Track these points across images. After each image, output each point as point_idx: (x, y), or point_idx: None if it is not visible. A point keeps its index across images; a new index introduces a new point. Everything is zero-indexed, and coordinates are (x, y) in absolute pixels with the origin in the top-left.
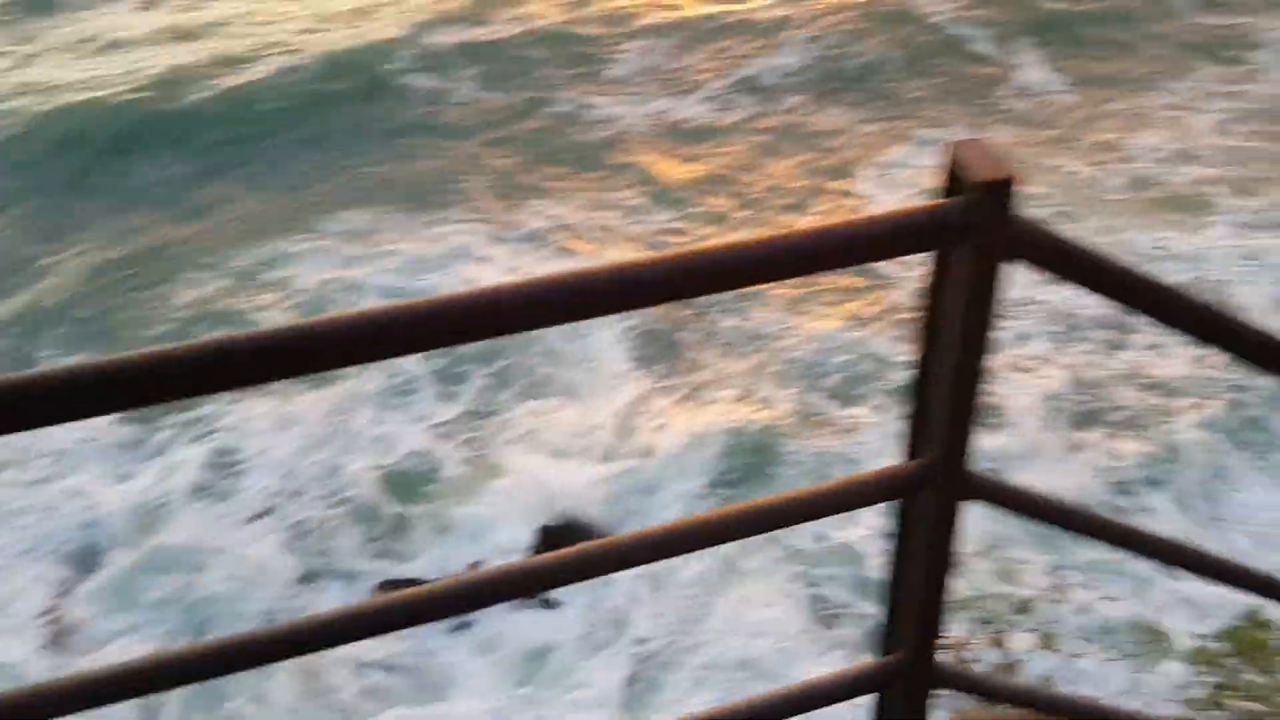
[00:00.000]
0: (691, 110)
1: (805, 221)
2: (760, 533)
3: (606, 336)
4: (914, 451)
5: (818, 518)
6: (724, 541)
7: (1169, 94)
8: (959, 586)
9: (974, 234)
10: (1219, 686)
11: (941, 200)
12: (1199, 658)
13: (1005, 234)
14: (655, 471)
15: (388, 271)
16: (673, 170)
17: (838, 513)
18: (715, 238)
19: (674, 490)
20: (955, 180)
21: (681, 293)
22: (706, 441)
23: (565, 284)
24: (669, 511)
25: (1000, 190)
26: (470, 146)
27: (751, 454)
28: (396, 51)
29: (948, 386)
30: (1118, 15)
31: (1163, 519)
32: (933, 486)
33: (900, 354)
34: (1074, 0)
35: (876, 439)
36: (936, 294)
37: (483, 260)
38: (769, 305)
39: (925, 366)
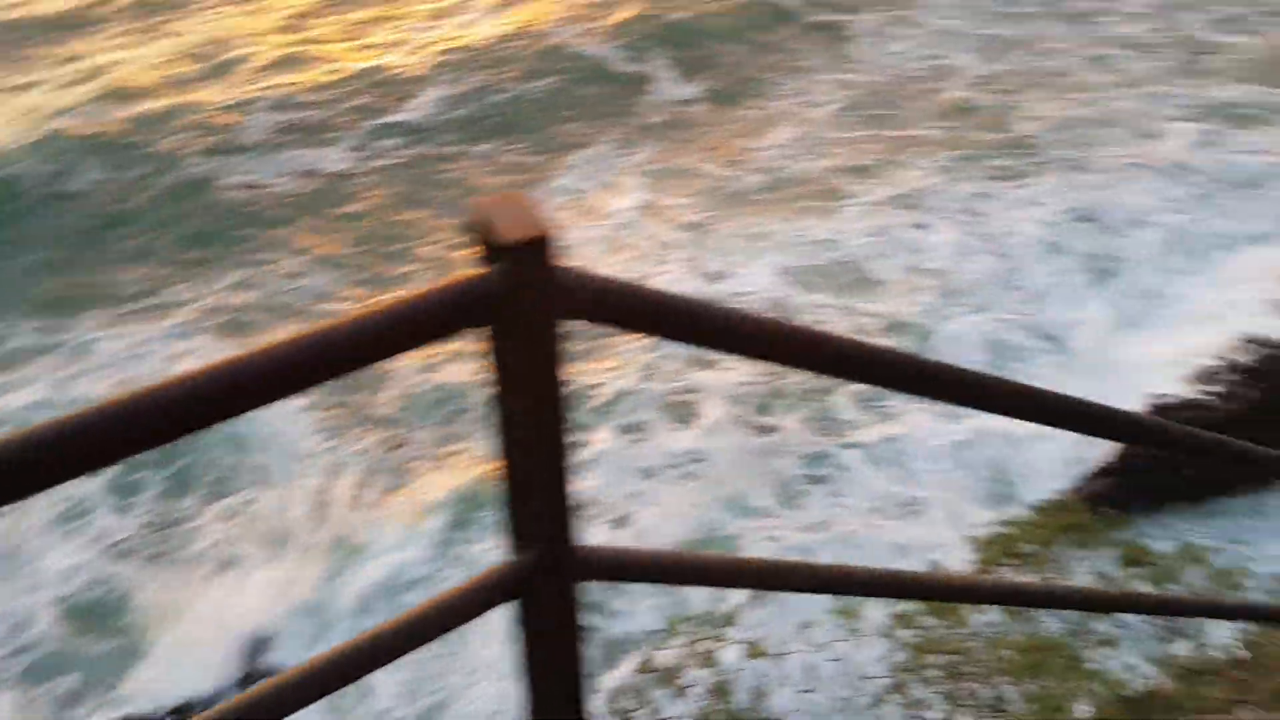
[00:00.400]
0: (336, 163)
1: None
2: (376, 669)
3: (290, 409)
4: (517, 544)
5: (431, 639)
6: (348, 683)
7: (790, 93)
8: (666, 611)
9: (517, 302)
10: (919, 648)
11: (475, 271)
12: (896, 623)
13: (552, 295)
14: (367, 558)
15: (23, 394)
16: (323, 230)
17: (454, 627)
18: (373, 297)
19: (391, 570)
20: (488, 245)
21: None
22: (416, 509)
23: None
24: (383, 603)
25: (537, 249)
26: (102, 236)
27: (468, 508)
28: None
29: (532, 468)
30: (738, 25)
31: (860, 475)
32: (541, 579)
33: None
34: (698, 15)
35: (582, 455)
36: (495, 371)
37: (137, 358)
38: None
39: (506, 451)
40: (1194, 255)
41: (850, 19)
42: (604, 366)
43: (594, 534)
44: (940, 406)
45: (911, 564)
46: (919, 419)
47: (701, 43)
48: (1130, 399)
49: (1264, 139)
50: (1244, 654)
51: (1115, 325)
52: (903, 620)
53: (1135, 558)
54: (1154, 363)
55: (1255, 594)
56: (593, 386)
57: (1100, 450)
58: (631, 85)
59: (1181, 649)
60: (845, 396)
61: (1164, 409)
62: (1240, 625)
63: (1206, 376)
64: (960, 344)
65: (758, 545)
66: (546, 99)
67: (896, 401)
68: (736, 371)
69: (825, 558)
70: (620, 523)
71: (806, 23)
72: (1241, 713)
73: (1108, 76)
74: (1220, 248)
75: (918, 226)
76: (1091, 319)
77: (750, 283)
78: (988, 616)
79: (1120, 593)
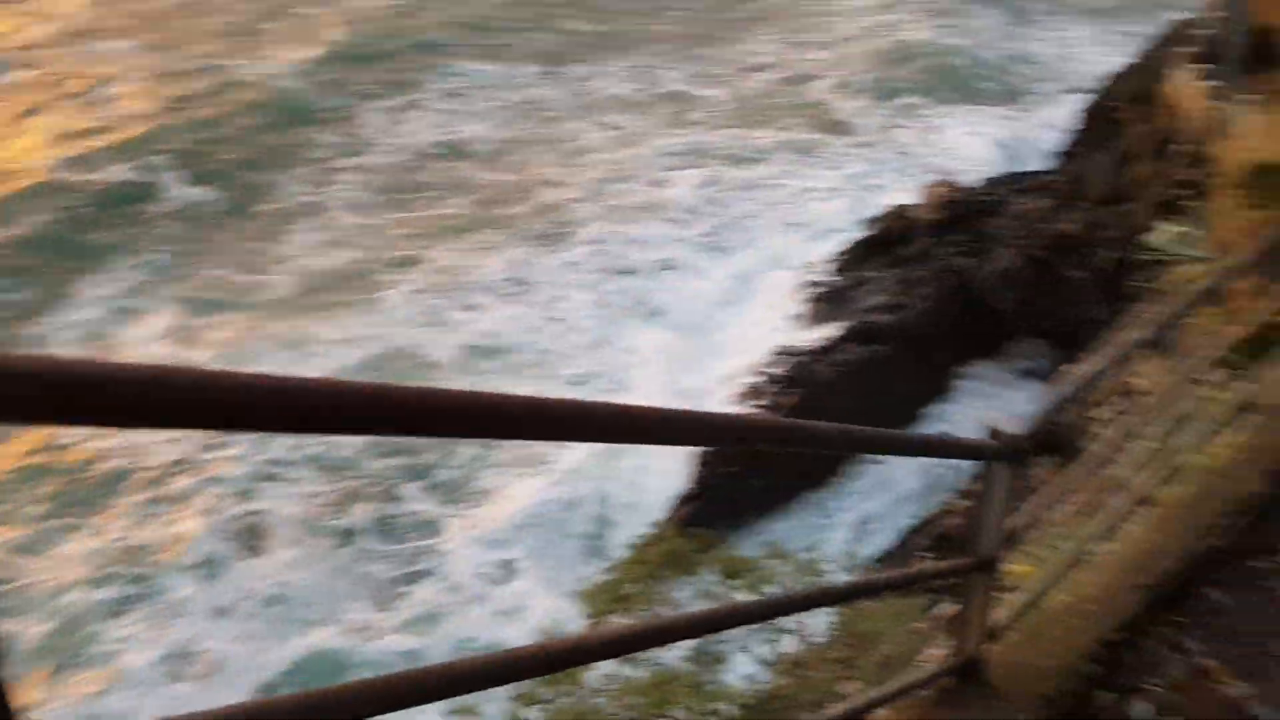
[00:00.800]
0: None
1: None
2: None
3: None
4: None
5: None
6: None
7: (312, 186)
8: None
9: None
10: None
11: None
12: (518, 705)
13: None
14: None
15: None
16: None
17: None
18: None
19: None
20: None
21: None
22: None
23: None
24: None
25: None
26: None
27: None
28: None
29: None
30: (250, 124)
31: (457, 560)
32: None
33: None
34: (207, 120)
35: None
36: None
37: None
38: None
39: None
40: (723, 286)
41: (362, 105)
42: (153, 513)
43: (173, 691)
44: (525, 470)
45: (524, 630)
46: (510, 489)
47: (214, 149)
48: None
49: (754, 175)
50: (840, 635)
51: (671, 362)
52: (524, 699)
53: (733, 570)
54: (710, 388)
55: (834, 575)
56: (153, 539)
57: (681, 478)
58: (141, 202)
59: (788, 645)
60: (419, 486)
61: None
62: (834, 609)
63: (753, 392)
64: None
65: (363, 655)
66: (40, 236)
67: (484, 476)
68: (301, 483)
69: (437, 650)
70: (203, 677)
71: (319, 114)
72: (847, 688)
73: (611, 134)
74: (742, 276)
75: (467, 307)
76: (649, 360)
77: None
78: (604, 669)
79: (724, 610)
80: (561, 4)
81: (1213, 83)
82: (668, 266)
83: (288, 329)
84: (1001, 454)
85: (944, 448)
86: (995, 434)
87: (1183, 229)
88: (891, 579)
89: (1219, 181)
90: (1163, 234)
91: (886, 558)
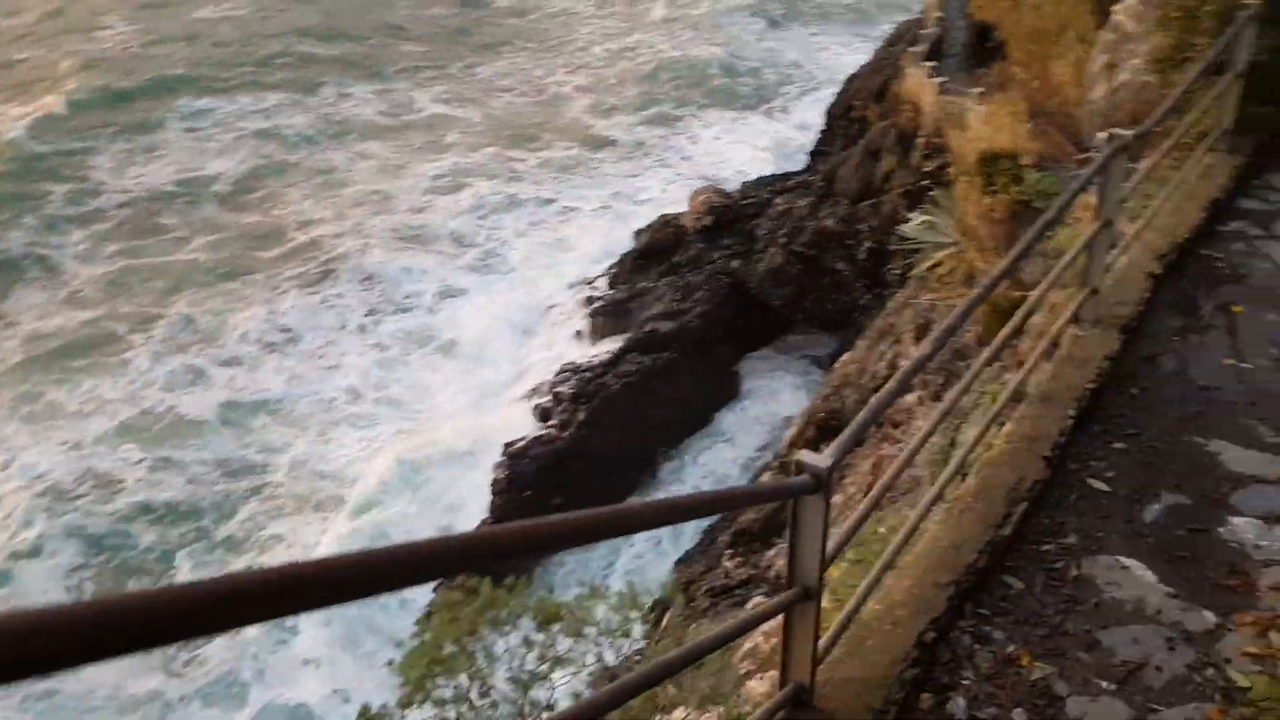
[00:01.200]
0: None
1: None
2: None
3: None
4: None
5: None
6: None
7: (32, 237)
8: None
9: None
10: None
11: None
12: None
13: None
14: None
15: None
16: None
17: None
18: None
19: None
20: None
21: None
22: None
23: None
24: None
25: None
26: None
27: None
28: None
29: None
30: None
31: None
32: None
33: None
34: None
35: None
36: None
37: None
38: None
39: None
40: (503, 310)
41: (95, 149)
42: None
43: None
44: (316, 513)
45: (325, 681)
46: (300, 532)
47: None
48: (493, 452)
49: (519, 195)
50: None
51: (460, 393)
52: None
53: (549, 615)
54: (501, 413)
55: (649, 599)
56: None
57: (468, 515)
58: None
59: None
60: (202, 547)
61: (517, 454)
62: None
63: (544, 413)
64: (303, 470)
65: None
66: None
67: (272, 525)
68: (59, 556)
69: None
70: None
71: (45, 161)
72: (676, 715)
73: (367, 162)
74: (520, 298)
75: (226, 362)
76: (437, 394)
77: (42, 463)
78: None
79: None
80: (301, 31)
81: (940, 78)
82: (445, 295)
83: (20, 398)
84: (810, 488)
85: (758, 495)
86: (800, 468)
87: (929, 218)
88: (722, 634)
89: (956, 171)
90: (913, 223)
91: (690, 560)
